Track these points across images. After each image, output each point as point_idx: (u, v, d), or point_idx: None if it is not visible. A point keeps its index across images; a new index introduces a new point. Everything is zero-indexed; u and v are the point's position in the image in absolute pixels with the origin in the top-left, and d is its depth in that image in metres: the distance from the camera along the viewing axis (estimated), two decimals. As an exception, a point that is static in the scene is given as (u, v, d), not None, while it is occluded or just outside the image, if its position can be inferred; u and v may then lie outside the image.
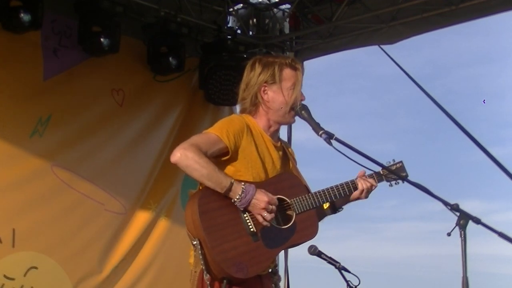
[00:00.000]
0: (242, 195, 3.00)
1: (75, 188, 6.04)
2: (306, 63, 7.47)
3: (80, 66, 6.19)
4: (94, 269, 6.12)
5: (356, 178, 3.33)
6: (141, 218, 6.54)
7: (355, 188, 3.31)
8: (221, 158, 3.15)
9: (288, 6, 7.30)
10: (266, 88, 3.28)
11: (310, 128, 3.15)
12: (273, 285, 3.27)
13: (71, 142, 6.07)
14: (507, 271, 12.19)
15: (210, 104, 7.04)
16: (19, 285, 5.64)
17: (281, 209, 3.16)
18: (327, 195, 3.24)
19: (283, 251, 4.30)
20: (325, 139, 3.03)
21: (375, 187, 3.35)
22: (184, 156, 2.98)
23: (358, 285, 3.55)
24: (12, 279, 5.60)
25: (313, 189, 3.30)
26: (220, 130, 3.13)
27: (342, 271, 3.57)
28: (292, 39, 7.54)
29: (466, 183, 13.60)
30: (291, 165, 3.43)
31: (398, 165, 3.42)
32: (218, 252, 2.96)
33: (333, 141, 3.01)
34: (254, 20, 7.41)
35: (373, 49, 7.03)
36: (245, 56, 6.95)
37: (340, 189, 3.27)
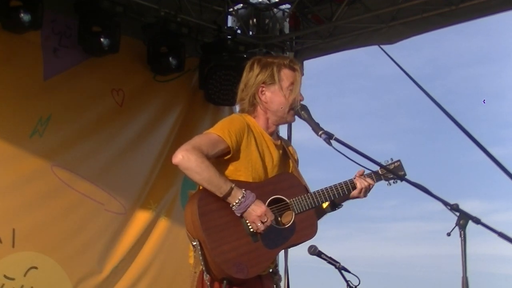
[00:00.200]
0: (242, 199, 3.00)
1: (75, 188, 6.04)
2: (306, 63, 7.48)
3: (80, 66, 6.19)
4: (94, 269, 6.12)
5: (354, 177, 3.33)
6: (141, 218, 6.54)
7: (354, 188, 3.31)
8: (223, 157, 3.15)
9: (288, 6, 7.30)
10: (264, 88, 3.28)
11: (310, 128, 3.15)
12: (274, 285, 3.28)
13: (71, 142, 6.07)
14: (507, 271, 12.19)
15: (210, 104, 7.04)
16: (19, 285, 5.64)
17: (281, 209, 3.17)
18: (326, 195, 3.25)
19: (283, 251, 4.30)
20: (324, 139, 3.03)
21: (373, 185, 3.36)
22: (186, 158, 2.98)
23: (358, 285, 3.55)
24: (12, 279, 5.60)
25: (313, 189, 3.30)
26: (221, 130, 3.13)
27: (342, 271, 3.57)
28: (292, 39, 7.54)
29: (466, 183, 13.60)
30: (291, 164, 3.43)
31: (396, 164, 3.42)
32: (218, 253, 2.96)
33: (332, 141, 3.01)
34: (254, 20, 7.41)
35: (373, 49, 7.05)
36: (245, 56, 6.95)
37: (339, 188, 3.28)
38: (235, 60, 6.81)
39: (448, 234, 2.57)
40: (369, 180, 3.33)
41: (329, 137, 3.03)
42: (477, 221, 2.60)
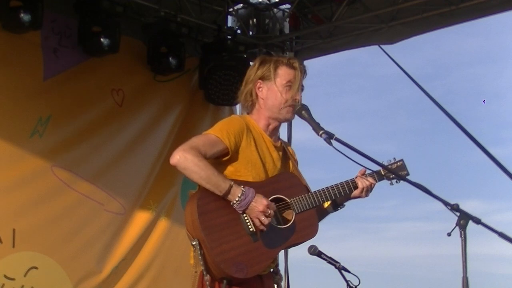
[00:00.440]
0: (242, 197, 3.00)
1: (75, 189, 6.04)
2: (306, 63, 7.45)
3: (80, 66, 6.18)
4: (94, 269, 6.11)
5: (356, 177, 3.33)
6: (141, 218, 6.54)
7: (355, 187, 3.31)
8: (221, 158, 3.15)
9: (288, 6, 7.30)
10: (261, 84, 3.28)
11: (310, 128, 3.14)
12: (275, 284, 3.28)
13: (71, 142, 6.06)
14: (507, 271, 12.19)
15: (210, 104, 7.04)
16: (19, 285, 5.64)
17: (281, 209, 3.16)
18: (327, 195, 3.24)
19: (283, 251, 4.30)
20: (325, 139, 3.03)
21: (375, 185, 3.36)
22: (183, 158, 2.98)
23: (358, 285, 3.54)
24: (13, 279, 5.60)
25: (313, 189, 3.30)
26: (220, 131, 3.13)
27: (342, 271, 3.56)
28: (292, 39, 7.54)
29: (466, 183, 13.60)
30: (291, 165, 3.43)
31: (399, 163, 3.42)
32: (218, 252, 2.96)
33: (333, 141, 3.01)
34: (254, 20, 7.41)
35: (373, 49, 7.05)
36: (245, 56, 6.95)
37: (340, 188, 3.28)
38: (235, 60, 6.81)
39: (449, 234, 2.57)
40: (371, 180, 3.33)
41: (329, 137, 3.02)
42: (477, 221, 2.60)
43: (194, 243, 2.98)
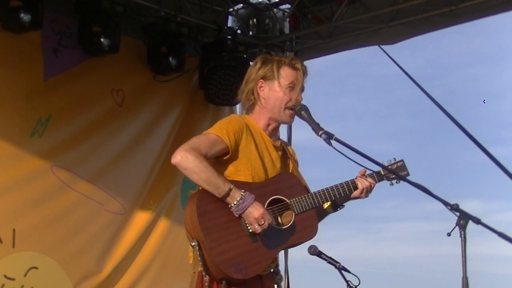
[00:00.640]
0: (240, 201, 3.00)
1: (74, 189, 6.04)
2: (306, 63, 7.43)
3: (80, 66, 6.18)
4: (94, 269, 6.11)
5: (356, 178, 3.33)
6: (141, 218, 6.54)
7: (355, 188, 3.30)
8: (222, 158, 3.15)
9: (288, 6, 7.30)
10: (262, 84, 3.28)
11: (310, 128, 3.14)
12: (275, 285, 3.27)
13: (71, 142, 6.06)
14: (507, 271, 12.18)
15: (210, 104, 7.04)
16: (19, 285, 5.64)
17: (281, 209, 3.16)
18: (327, 195, 3.24)
19: (282, 251, 4.30)
20: (325, 139, 3.02)
21: (374, 185, 3.36)
22: (184, 158, 2.98)
23: (358, 285, 3.54)
24: (13, 279, 5.60)
25: (313, 189, 3.30)
26: (220, 130, 3.13)
27: (342, 271, 3.56)
28: (292, 39, 7.54)
29: (466, 183, 13.60)
30: (291, 165, 3.43)
31: (399, 163, 3.42)
32: (217, 253, 2.96)
33: (333, 141, 3.01)
34: (254, 20, 7.40)
35: (373, 49, 7.03)
36: (245, 56, 6.95)
37: (340, 188, 3.27)
38: (235, 60, 6.81)
39: (448, 234, 2.57)
40: (371, 180, 3.33)
41: (329, 137, 3.02)
42: (477, 221, 2.60)
43: (194, 243, 2.98)
